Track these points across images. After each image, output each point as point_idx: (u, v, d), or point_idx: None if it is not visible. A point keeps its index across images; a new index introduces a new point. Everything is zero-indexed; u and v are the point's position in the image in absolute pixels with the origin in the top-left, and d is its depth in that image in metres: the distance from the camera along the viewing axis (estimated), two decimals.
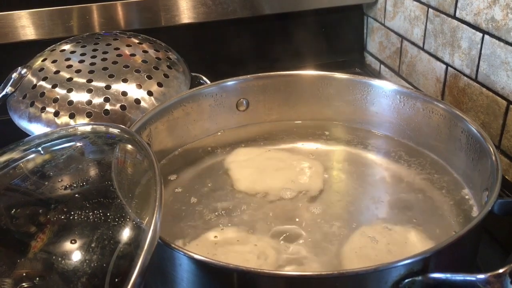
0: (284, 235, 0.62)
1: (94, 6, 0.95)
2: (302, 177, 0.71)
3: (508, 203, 0.54)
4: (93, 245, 0.45)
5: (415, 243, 0.60)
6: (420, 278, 0.47)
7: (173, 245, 0.49)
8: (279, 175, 0.72)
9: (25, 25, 0.93)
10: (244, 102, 0.81)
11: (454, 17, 0.85)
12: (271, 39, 1.10)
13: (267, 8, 1.04)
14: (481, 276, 0.45)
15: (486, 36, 0.79)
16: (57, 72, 0.74)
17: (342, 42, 1.16)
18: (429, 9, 0.91)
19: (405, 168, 0.73)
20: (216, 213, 0.65)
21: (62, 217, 0.48)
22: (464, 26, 0.83)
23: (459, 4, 0.83)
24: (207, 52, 1.07)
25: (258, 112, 0.82)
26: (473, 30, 0.81)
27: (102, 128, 0.61)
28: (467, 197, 0.66)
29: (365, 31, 1.16)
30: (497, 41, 0.77)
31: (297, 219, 0.64)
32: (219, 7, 1.01)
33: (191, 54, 0.98)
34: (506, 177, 0.79)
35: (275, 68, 0.85)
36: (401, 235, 0.61)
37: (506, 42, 0.75)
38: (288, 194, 0.68)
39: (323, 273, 0.47)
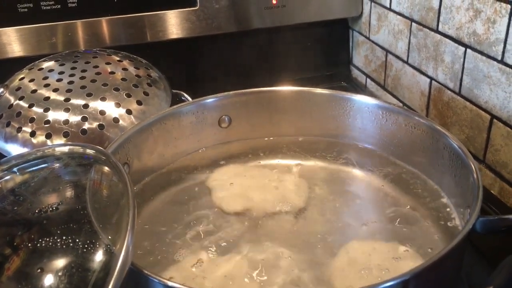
0: (268, 254, 0.60)
1: (78, 23, 0.95)
2: (286, 194, 0.70)
3: (489, 222, 0.53)
4: (63, 271, 0.44)
5: (400, 260, 0.59)
6: None
7: (145, 272, 0.47)
8: (262, 192, 0.71)
9: (10, 42, 0.93)
10: (226, 118, 0.80)
11: (436, 31, 0.85)
12: (256, 54, 1.09)
13: (252, 23, 1.04)
14: None
15: (469, 50, 0.78)
16: (34, 91, 0.73)
17: (328, 56, 1.15)
18: (412, 23, 0.91)
19: (388, 184, 0.72)
20: (197, 235, 0.63)
21: (34, 241, 0.47)
22: (447, 40, 0.83)
23: (441, 18, 0.83)
24: (193, 68, 1.06)
25: (240, 128, 0.81)
26: (456, 44, 0.81)
27: (79, 149, 0.60)
28: (451, 213, 0.66)
29: (350, 44, 1.16)
30: (479, 55, 0.76)
31: (281, 237, 0.63)
32: (203, 23, 1.01)
33: (176, 70, 0.98)
34: (492, 191, 0.79)
35: (261, 83, 0.84)
36: (386, 252, 0.60)
37: (488, 56, 0.75)
38: (272, 211, 0.67)
39: None
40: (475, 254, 0.67)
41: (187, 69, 1.05)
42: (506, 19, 0.71)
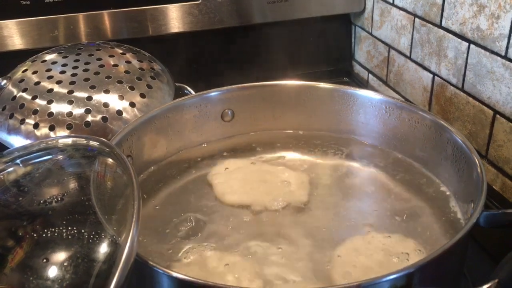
0: (270, 248, 0.60)
1: (80, 16, 0.95)
2: (288, 188, 0.70)
3: (493, 216, 0.53)
4: (69, 262, 0.44)
5: (404, 253, 0.59)
6: None
7: (151, 263, 0.47)
8: (264, 187, 0.71)
9: (11, 34, 0.92)
10: (229, 112, 0.80)
11: (440, 26, 0.85)
12: (258, 49, 1.09)
13: (254, 17, 1.04)
14: None
15: (472, 46, 0.78)
16: (37, 83, 0.73)
17: (330, 51, 1.15)
18: (416, 18, 0.91)
19: (391, 179, 0.72)
20: (199, 228, 0.63)
21: (38, 232, 0.47)
22: (450, 35, 0.83)
23: (445, 14, 0.83)
24: (196, 61, 1.06)
25: (243, 122, 0.81)
26: (459, 40, 0.81)
27: (82, 141, 0.60)
28: (454, 208, 0.66)
29: (353, 40, 1.16)
30: (482, 51, 0.76)
31: (282, 232, 0.63)
32: (206, 17, 1.00)
33: (179, 64, 0.98)
34: (494, 187, 0.79)
35: (263, 78, 0.84)
36: (390, 245, 0.60)
37: (492, 52, 0.75)
38: (274, 206, 0.67)
39: None
40: (478, 249, 0.67)
41: (190, 62, 1.05)
42: (510, 14, 0.70)
